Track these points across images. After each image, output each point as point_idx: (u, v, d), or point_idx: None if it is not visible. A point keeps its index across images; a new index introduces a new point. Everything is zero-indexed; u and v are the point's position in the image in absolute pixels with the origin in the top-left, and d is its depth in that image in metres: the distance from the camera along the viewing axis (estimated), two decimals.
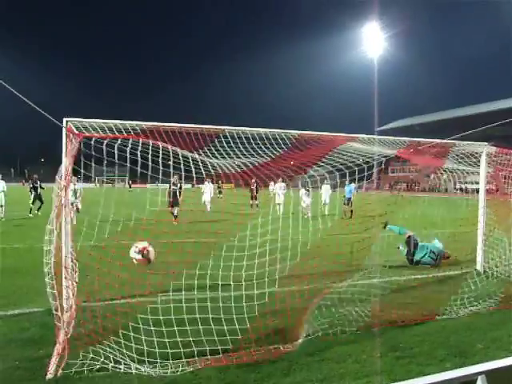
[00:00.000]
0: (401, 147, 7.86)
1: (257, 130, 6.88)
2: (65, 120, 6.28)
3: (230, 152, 6.65)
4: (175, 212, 18.36)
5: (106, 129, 6.37)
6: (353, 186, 20.72)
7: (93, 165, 6.42)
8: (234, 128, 6.79)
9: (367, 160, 7.18)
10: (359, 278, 7.25)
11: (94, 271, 5.88)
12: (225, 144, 6.62)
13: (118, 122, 6.43)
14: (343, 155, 6.99)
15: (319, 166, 6.97)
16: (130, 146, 5.95)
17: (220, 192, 31.49)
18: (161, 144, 6.03)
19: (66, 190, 6.25)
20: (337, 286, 7.16)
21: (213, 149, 6.64)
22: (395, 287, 6.90)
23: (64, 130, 6.25)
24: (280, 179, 17.85)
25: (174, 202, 18.29)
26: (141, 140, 6.01)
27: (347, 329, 5.87)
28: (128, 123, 6.47)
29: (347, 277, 7.52)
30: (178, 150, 6.21)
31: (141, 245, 6.56)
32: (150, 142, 5.98)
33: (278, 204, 22.10)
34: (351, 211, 20.05)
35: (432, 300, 7.13)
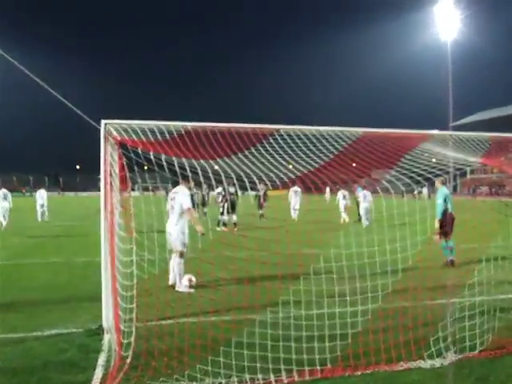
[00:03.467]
0: (486, 146, 7.49)
1: (316, 128, 6.84)
2: (103, 122, 6.45)
3: (283, 153, 6.67)
4: (234, 219, 19.71)
5: (147, 130, 6.45)
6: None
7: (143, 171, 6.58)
8: (289, 127, 6.78)
9: (446, 170, 6.95)
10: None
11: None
12: (281, 141, 6.65)
13: (160, 122, 6.53)
14: (417, 160, 6.83)
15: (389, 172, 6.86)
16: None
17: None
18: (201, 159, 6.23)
19: (107, 201, 6.46)
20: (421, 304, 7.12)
21: (261, 149, 6.67)
22: (482, 309, 6.60)
23: (102, 132, 6.45)
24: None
25: (231, 210, 19.73)
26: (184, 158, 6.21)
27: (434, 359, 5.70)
28: (172, 124, 6.55)
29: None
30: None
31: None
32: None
33: (295, 209, 25.59)
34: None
35: None
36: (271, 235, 7.48)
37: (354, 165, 7.06)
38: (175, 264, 9.32)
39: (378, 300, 6.35)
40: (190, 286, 8.99)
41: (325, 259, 6.58)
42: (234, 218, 19.44)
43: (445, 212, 11.43)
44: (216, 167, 6.41)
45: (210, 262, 7.20)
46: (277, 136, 6.71)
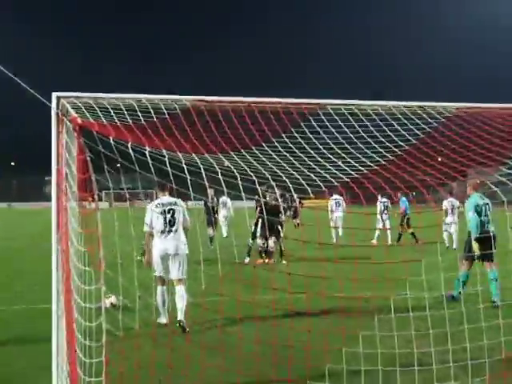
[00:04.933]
0: None
1: (381, 103, 6.78)
2: (54, 95, 6.25)
3: (330, 142, 6.62)
4: (271, 245, 18.70)
5: (124, 109, 6.42)
6: (405, 198, 24.60)
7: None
8: (340, 101, 6.62)
9: None
10: None
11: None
12: (327, 123, 6.53)
13: (141, 96, 6.54)
14: None
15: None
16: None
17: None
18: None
19: (60, 212, 6.30)
20: None
21: (297, 136, 6.63)
22: None
23: (53, 112, 6.23)
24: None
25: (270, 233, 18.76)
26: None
27: None
28: (158, 98, 6.57)
29: None
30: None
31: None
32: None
33: (335, 228, 24.94)
34: (413, 234, 24.22)
35: None
36: (311, 268, 7.11)
37: (439, 159, 6.88)
38: (183, 293, 9.70)
39: (485, 371, 6.09)
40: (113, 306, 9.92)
41: (396, 305, 6.49)
42: (272, 243, 18.38)
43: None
44: (227, 164, 6.38)
45: (216, 308, 6.84)
46: (322, 115, 6.56)
